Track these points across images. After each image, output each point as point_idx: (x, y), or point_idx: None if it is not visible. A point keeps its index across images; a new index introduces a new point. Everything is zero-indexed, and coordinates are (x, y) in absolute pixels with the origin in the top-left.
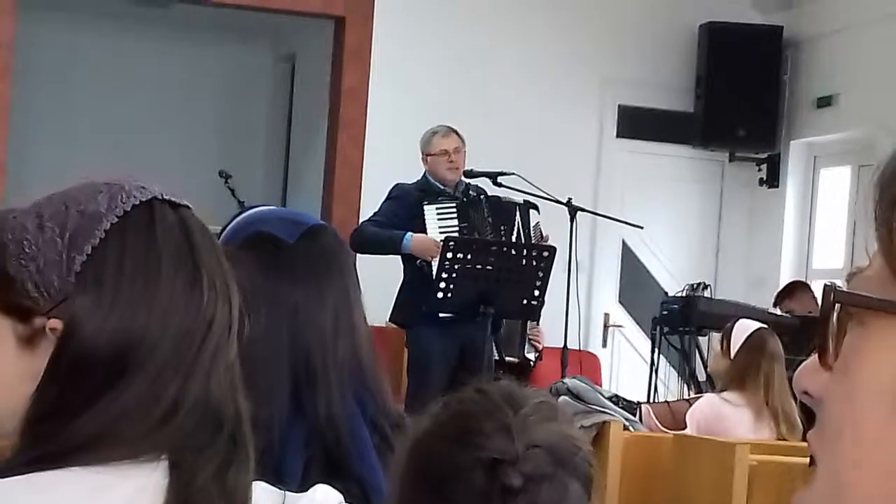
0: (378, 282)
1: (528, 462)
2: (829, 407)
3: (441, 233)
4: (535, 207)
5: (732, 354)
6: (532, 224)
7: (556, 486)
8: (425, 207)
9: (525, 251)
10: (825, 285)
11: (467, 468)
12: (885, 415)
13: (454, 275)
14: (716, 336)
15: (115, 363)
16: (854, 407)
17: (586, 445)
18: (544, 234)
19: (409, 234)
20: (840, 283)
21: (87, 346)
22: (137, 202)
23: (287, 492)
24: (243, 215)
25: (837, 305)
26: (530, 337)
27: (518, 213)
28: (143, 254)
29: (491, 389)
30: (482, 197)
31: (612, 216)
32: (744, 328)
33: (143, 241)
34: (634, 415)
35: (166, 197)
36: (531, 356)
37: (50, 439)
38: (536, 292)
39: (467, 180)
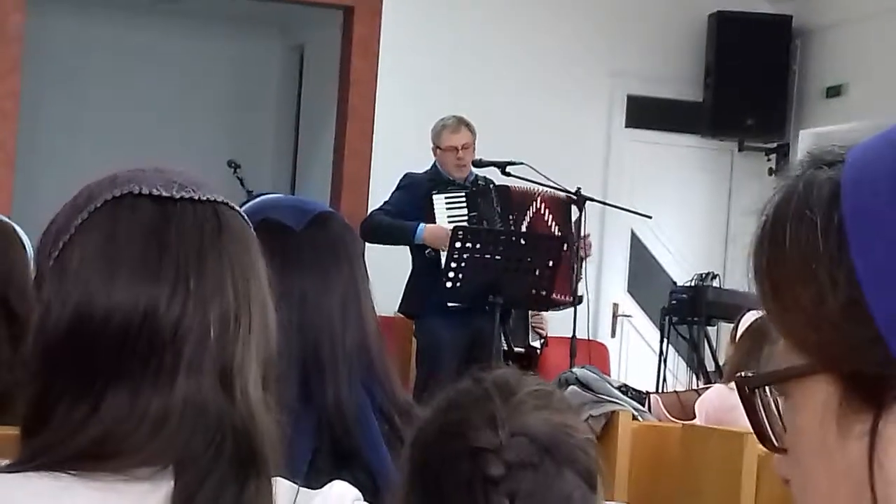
0: (386, 272)
1: (510, 450)
2: (794, 490)
3: (450, 222)
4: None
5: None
6: (574, 218)
7: (541, 474)
8: (434, 197)
9: (534, 241)
10: (736, 380)
11: (454, 459)
12: (826, 471)
13: (463, 264)
14: (724, 326)
15: (79, 359)
16: (806, 482)
17: (583, 434)
18: (584, 233)
19: (423, 224)
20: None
21: (51, 336)
22: (110, 197)
23: (301, 487)
24: (250, 203)
25: (757, 391)
26: (533, 324)
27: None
28: (101, 249)
29: (486, 378)
30: (491, 186)
31: (621, 206)
32: (750, 316)
33: (104, 237)
34: (643, 405)
35: (155, 192)
36: (536, 344)
37: (44, 452)
38: (546, 282)
39: (476, 170)
